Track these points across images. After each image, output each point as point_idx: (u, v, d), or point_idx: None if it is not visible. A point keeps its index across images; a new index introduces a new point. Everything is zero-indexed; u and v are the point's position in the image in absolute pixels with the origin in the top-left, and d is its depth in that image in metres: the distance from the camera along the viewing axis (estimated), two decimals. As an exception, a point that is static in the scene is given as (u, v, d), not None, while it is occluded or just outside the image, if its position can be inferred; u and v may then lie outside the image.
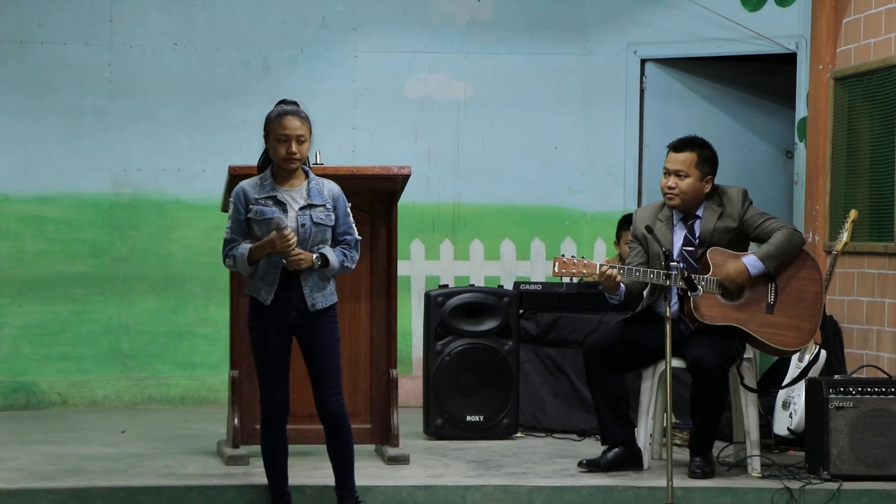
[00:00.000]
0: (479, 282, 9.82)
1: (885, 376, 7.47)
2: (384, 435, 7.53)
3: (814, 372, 7.70)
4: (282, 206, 6.32)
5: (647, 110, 9.96)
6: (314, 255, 6.30)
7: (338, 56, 9.97)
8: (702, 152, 7.28)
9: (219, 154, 9.62)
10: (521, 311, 8.62)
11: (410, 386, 9.52)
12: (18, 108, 9.70)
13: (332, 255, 6.33)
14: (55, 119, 9.74)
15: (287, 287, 6.32)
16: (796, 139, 9.38)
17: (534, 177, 10.07)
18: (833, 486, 6.92)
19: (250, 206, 6.34)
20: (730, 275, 7.08)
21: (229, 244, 6.40)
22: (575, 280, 7.03)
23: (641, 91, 9.96)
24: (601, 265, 7.00)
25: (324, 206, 6.36)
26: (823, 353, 7.79)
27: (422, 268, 10.02)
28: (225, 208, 7.59)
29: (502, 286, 9.15)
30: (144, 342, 9.82)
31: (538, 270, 9.98)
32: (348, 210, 6.44)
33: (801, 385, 7.58)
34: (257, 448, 7.39)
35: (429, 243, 10.04)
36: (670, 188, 7.22)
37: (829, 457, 7.06)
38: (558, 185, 10.08)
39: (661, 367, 7.17)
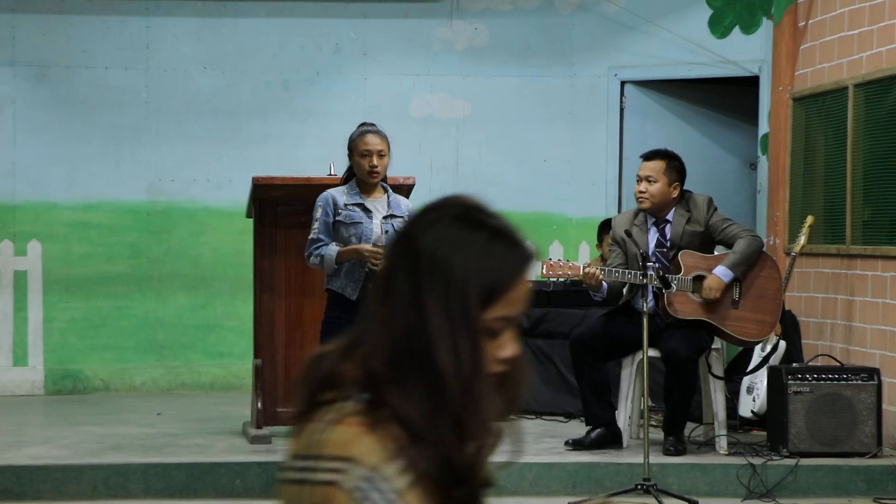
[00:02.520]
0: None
1: (838, 364, 7.49)
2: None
3: (774, 360, 7.73)
4: (368, 213, 6.36)
5: (626, 127, 9.97)
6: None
7: (350, 78, 9.98)
8: (670, 161, 7.31)
9: (244, 166, 9.63)
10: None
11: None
12: (66, 126, 9.72)
13: None
14: (98, 136, 9.75)
15: (367, 286, 6.34)
16: (759, 153, 9.39)
17: (525, 186, 10.08)
18: (791, 462, 6.94)
19: (339, 211, 6.34)
20: (711, 288, 7.11)
21: (315, 243, 6.33)
22: (561, 280, 7.04)
23: (621, 110, 9.96)
24: (584, 266, 7.03)
25: (403, 217, 6.40)
26: (783, 343, 7.81)
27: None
28: (250, 214, 7.62)
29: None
30: (178, 334, 9.82)
31: (529, 270, 9.99)
32: None
33: (764, 372, 7.60)
34: (279, 428, 7.42)
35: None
36: (641, 192, 7.26)
37: (788, 436, 7.07)
38: (547, 193, 10.09)
39: (638, 356, 7.20)
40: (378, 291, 1.98)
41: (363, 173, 6.35)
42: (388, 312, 1.95)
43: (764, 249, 7.44)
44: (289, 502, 1.94)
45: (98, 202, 9.74)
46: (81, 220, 9.72)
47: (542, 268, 6.95)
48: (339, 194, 6.39)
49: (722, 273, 7.13)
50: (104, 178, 9.73)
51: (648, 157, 7.34)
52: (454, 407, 1.89)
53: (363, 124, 6.55)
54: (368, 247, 6.25)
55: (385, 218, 6.38)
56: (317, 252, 6.32)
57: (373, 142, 6.36)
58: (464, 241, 1.93)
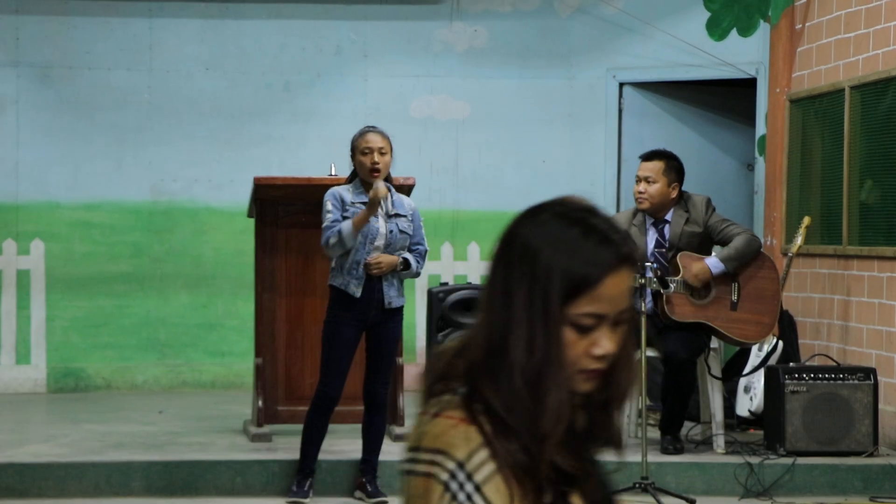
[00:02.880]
0: (475, 280, 9.82)
1: (835, 364, 7.48)
2: (392, 416, 7.53)
3: (771, 360, 7.71)
4: None
5: (624, 128, 9.96)
6: (400, 260, 6.34)
7: (350, 80, 9.97)
8: (669, 162, 7.29)
9: (245, 166, 9.62)
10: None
11: (415, 372, 9.52)
12: (69, 127, 9.71)
13: (413, 260, 6.37)
14: (101, 136, 9.75)
15: (370, 284, 6.32)
16: (756, 154, 9.38)
17: (524, 186, 10.07)
18: (788, 460, 6.93)
19: (346, 208, 6.34)
20: (694, 274, 7.09)
21: (329, 228, 6.29)
22: None
23: (619, 111, 9.96)
24: None
25: (406, 216, 6.40)
26: (781, 343, 7.80)
27: (425, 267, 10.00)
28: (251, 214, 7.61)
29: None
30: (179, 333, 9.81)
31: (528, 270, 9.97)
32: (422, 224, 6.48)
33: (761, 371, 7.59)
34: (279, 427, 7.41)
35: (431, 245, 9.98)
36: (640, 192, 7.24)
37: (785, 435, 7.07)
38: (546, 194, 9.80)
39: (636, 356, 7.17)
40: (484, 284, 2.01)
41: (365, 171, 6.34)
42: (487, 305, 1.98)
43: (763, 250, 7.42)
44: (402, 492, 1.99)
45: (100, 202, 9.73)
46: (84, 220, 9.71)
47: None
48: (345, 192, 6.39)
49: (712, 263, 7.11)
50: (107, 177, 9.72)
51: (647, 157, 7.32)
52: (524, 397, 1.91)
53: (366, 126, 6.56)
54: (381, 188, 6.23)
55: (390, 217, 6.37)
56: (333, 231, 6.26)
57: (373, 140, 6.36)
58: (556, 234, 1.95)
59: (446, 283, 8.73)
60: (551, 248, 1.94)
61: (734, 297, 7.17)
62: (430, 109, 10.05)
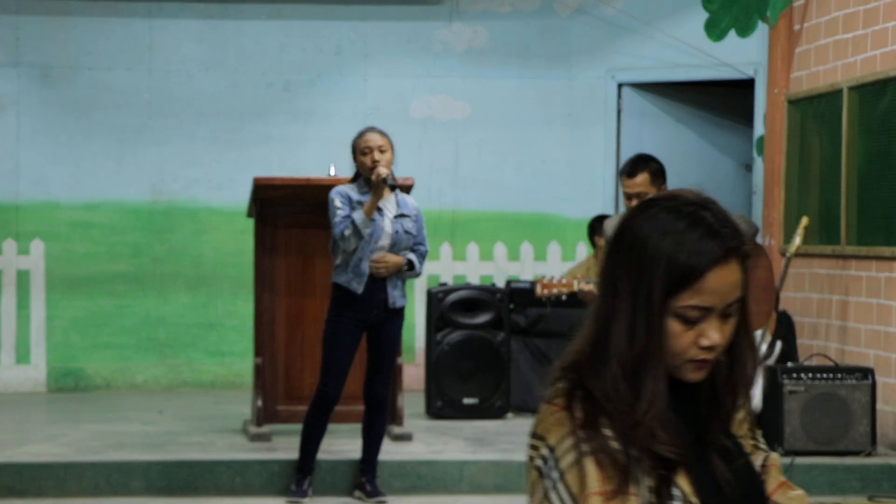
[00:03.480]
0: (474, 280, 9.83)
1: (833, 364, 7.48)
2: (391, 415, 7.53)
3: (770, 360, 7.71)
4: (379, 211, 6.36)
5: (623, 128, 9.96)
6: (405, 260, 6.35)
7: (351, 80, 9.97)
8: (651, 169, 7.24)
9: (245, 167, 9.62)
10: (511, 306, 8.63)
11: (413, 372, 9.54)
12: (69, 126, 9.71)
13: (416, 261, 6.39)
14: (101, 136, 9.75)
15: (373, 283, 6.33)
16: (754, 154, 9.38)
17: (523, 187, 10.07)
18: (787, 460, 6.93)
19: (353, 205, 6.34)
20: None
21: (342, 221, 6.28)
22: (555, 297, 7.01)
23: (618, 111, 9.96)
24: (577, 283, 6.99)
25: (410, 217, 6.41)
26: (779, 343, 7.81)
27: (424, 267, 9.99)
28: (251, 214, 7.61)
29: (495, 284, 9.16)
30: (179, 333, 9.81)
31: (527, 270, 9.99)
32: (424, 225, 6.50)
33: (759, 371, 7.60)
34: (279, 426, 7.41)
35: (431, 245, 10.01)
36: None
37: (784, 434, 7.07)
38: (545, 194, 10.08)
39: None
40: (599, 274, 2.05)
41: (366, 170, 6.34)
42: (598, 297, 2.02)
43: (757, 240, 7.40)
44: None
45: (100, 202, 9.73)
46: (84, 220, 9.71)
47: (537, 287, 6.94)
48: (351, 191, 6.39)
49: None
50: (107, 178, 9.72)
51: (630, 173, 7.22)
52: (623, 384, 1.94)
53: (364, 127, 6.57)
54: (382, 170, 6.24)
55: (395, 217, 6.38)
56: (346, 223, 6.26)
57: (372, 139, 6.37)
58: (663, 227, 1.97)
59: (445, 284, 8.73)
60: (657, 240, 1.96)
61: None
62: (430, 109, 10.05)
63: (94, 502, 6.58)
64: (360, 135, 6.43)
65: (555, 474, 1.93)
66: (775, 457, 2.12)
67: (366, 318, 6.32)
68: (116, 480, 6.67)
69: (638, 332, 1.95)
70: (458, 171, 10.07)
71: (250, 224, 7.74)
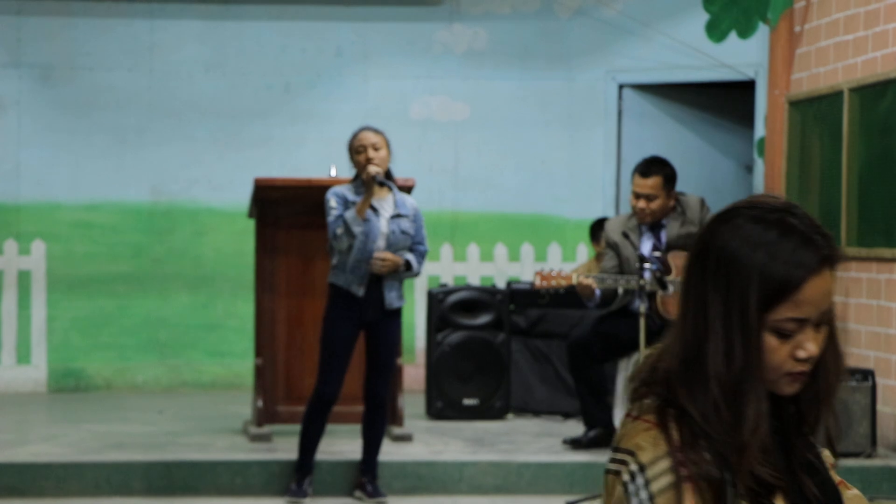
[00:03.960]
0: (474, 281, 9.82)
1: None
2: (391, 416, 7.53)
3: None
4: (375, 211, 6.35)
5: (623, 130, 9.96)
6: (403, 260, 6.34)
7: (351, 81, 9.97)
8: (665, 174, 7.25)
9: (245, 167, 9.63)
10: (511, 307, 8.62)
11: (414, 373, 9.54)
12: (69, 127, 9.71)
13: (414, 261, 6.38)
14: (102, 136, 9.75)
15: (371, 284, 6.33)
16: (755, 156, 9.38)
17: (523, 188, 10.07)
18: (786, 462, 6.93)
19: (349, 205, 6.34)
20: None
21: (336, 219, 6.29)
22: (554, 290, 7.02)
23: (619, 113, 9.96)
24: (577, 277, 7.00)
25: (408, 217, 6.40)
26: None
27: (424, 268, 10.00)
28: (251, 215, 7.61)
29: (495, 285, 9.16)
30: (179, 333, 9.81)
31: (527, 271, 9.99)
32: (423, 224, 6.48)
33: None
34: (279, 427, 7.41)
35: (431, 246, 10.03)
36: (642, 209, 7.19)
37: (783, 436, 7.06)
38: (545, 195, 10.08)
39: (634, 357, 7.18)
40: (681, 291, 1.98)
41: (361, 169, 6.34)
42: (684, 310, 1.94)
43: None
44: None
45: (101, 202, 9.73)
46: (85, 220, 9.71)
47: (535, 279, 6.95)
48: (348, 191, 6.39)
49: None
50: (107, 178, 9.72)
51: (645, 173, 7.23)
52: (722, 406, 1.87)
53: (360, 126, 6.57)
54: (373, 168, 6.24)
55: (392, 217, 6.37)
56: (338, 222, 6.26)
57: (366, 137, 6.38)
58: (753, 238, 1.89)
59: (445, 285, 8.73)
60: (748, 253, 1.88)
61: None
62: (430, 111, 10.05)
63: (94, 502, 6.58)
64: (355, 134, 6.43)
65: (644, 494, 1.86)
66: (828, 455, 2.07)
67: (362, 318, 6.32)
68: (117, 480, 6.67)
69: (735, 352, 1.87)
70: (458, 172, 10.07)
71: (251, 225, 7.74)
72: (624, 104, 9.96)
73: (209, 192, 9.83)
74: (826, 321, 1.92)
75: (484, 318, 8.39)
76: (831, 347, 1.94)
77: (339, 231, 6.26)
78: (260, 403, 7.41)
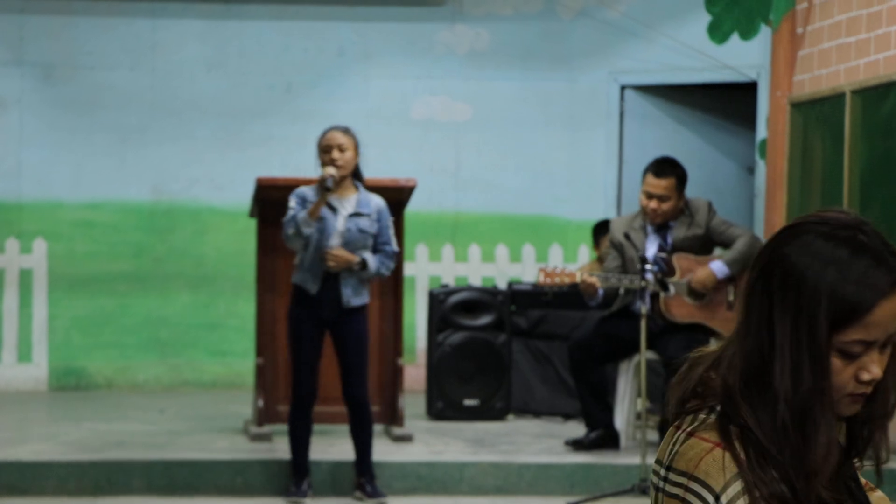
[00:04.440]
0: (476, 282, 9.82)
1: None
2: (391, 416, 7.53)
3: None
4: (334, 210, 6.35)
5: (625, 131, 9.96)
6: (357, 259, 6.32)
7: (352, 81, 9.97)
8: (678, 175, 7.25)
9: (247, 167, 9.62)
10: (513, 308, 8.62)
11: (415, 373, 9.53)
12: (71, 126, 9.71)
13: (372, 261, 6.35)
14: (103, 135, 9.75)
15: (327, 282, 6.33)
16: (757, 158, 9.38)
17: (525, 189, 10.07)
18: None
19: (307, 205, 6.34)
20: (700, 280, 7.08)
21: (289, 220, 6.31)
22: (557, 288, 7.03)
23: (621, 114, 9.95)
24: (581, 274, 7.00)
25: (369, 216, 6.39)
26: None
27: (425, 269, 10.02)
28: (252, 214, 7.61)
29: (496, 286, 9.15)
30: (180, 332, 9.81)
31: (529, 272, 9.98)
32: (390, 223, 6.46)
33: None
34: (280, 427, 7.41)
35: (432, 247, 10.04)
36: (653, 210, 7.17)
37: (784, 438, 7.05)
38: (547, 196, 10.08)
39: (635, 358, 7.18)
40: (741, 303, 1.92)
41: (325, 167, 6.35)
42: (745, 326, 1.89)
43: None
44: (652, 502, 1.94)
45: (103, 201, 9.73)
46: (86, 219, 9.71)
47: (539, 275, 6.95)
48: (310, 191, 6.40)
49: (717, 268, 7.12)
50: (109, 177, 9.72)
51: (659, 173, 7.21)
52: (790, 429, 1.83)
53: (330, 126, 6.56)
54: (328, 169, 6.25)
55: (350, 216, 6.36)
56: (290, 225, 6.29)
57: (334, 137, 6.38)
58: (823, 257, 1.83)
59: (447, 285, 8.72)
60: (818, 272, 1.82)
61: (731, 297, 7.17)
62: (431, 111, 10.05)
63: (94, 501, 6.58)
64: (324, 133, 6.44)
65: None
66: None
67: (321, 316, 6.32)
68: (117, 479, 6.67)
69: (804, 373, 1.82)
70: (459, 172, 10.07)
71: (252, 224, 7.74)
72: (626, 105, 9.95)
73: (210, 192, 9.83)
74: (890, 342, 1.87)
75: (485, 319, 8.38)
76: (892, 369, 1.90)
77: (291, 232, 6.31)
78: (261, 403, 7.41)
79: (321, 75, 9.94)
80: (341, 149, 6.34)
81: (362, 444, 6.49)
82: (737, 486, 1.82)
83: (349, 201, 6.38)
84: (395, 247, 6.46)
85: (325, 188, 6.28)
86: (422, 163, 9.87)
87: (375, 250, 6.40)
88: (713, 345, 7.24)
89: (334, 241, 6.30)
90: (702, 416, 1.89)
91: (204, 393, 9.65)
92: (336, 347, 6.41)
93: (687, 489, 1.84)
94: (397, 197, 7.44)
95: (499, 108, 10.06)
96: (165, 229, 9.80)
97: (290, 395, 6.53)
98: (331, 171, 6.26)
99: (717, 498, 1.82)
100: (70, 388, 9.65)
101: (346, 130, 6.41)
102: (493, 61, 10.05)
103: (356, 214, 6.36)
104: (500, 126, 10.06)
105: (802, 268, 1.84)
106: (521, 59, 10.06)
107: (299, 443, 6.48)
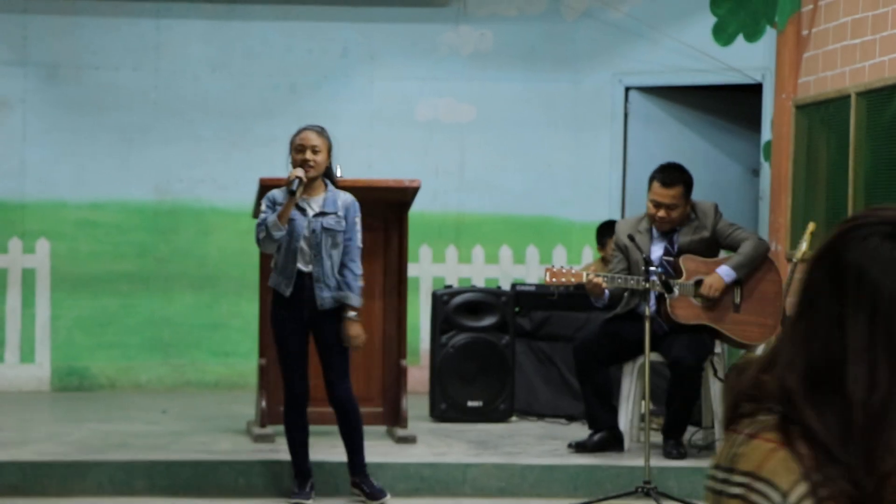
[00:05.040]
0: (479, 283, 9.81)
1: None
2: (394, 417, 7.52)
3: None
4: (301, 210, 6.35)
5: (629, 132, 9.94)
6: (354, 314, 6.33)
7: (357, 82, 9.97)
8: (685, 182, 7.24)
9: (250, 167, 9.61)
10: (516, 309, 8.61)
11: (418, 374, 9.52)
12: (75, 126, 9.70)
13: (355, 297, 6.34)
14: (107, 135, 9.74)
15: (301, 285, 6.32)
16: (762, 160, 9.36)
17: (529, 190, 10.06)
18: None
19: (277, 207, 6.35)
20: (710, 285, 7.07)
21: (259, 224, 6.36)
22: (563, 287, 7.02)
23: (625, 115, 9.94)
24: (587, 274, 6.99)
25: (335, 213, 6.37)
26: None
27: (429, 270, 10.01)
28: (255, 215, 7.59)
29: (500, 287, 9.14)
30: (183, 333, 9.81)
31: (532, 273, 9.97)
32: (357, 220, 6.43)
33: None
34: (282, 427, 7.41)
35: (435, 248, 10.03)
36: (662, 218, 7.16)
37: (788, 441, 7.04)
38: (551, 197, 10.07)
39: (640, 360, 7.17)
40: (800, 305, 1.91)
41: (296, 167, 6.34)
42: (808, 328, 1.87)
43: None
44: None
45: (106, 201, 9.73)
46: (89, 219, 9.71)
47: (545, 275, 6.94)
48: (280, 193, 6.40)
49: (724, 272, 7.11)
50: (112, 177, 9.72)
51: (667, 182, 7.19)
52: (863, 433, 1.82)
53: (305, 125, 6.57)
54: (294, 171, 6.24)
55: (316, 216, 6.36)
56: (260, 229, 6.31)
57: (307, 137, 6.38)
58: (893, 260, 1.84)
59: (450, 286, 8.71)
60: (892, 277, 1.82)
61: (737, 300, 7.16)
62: (436, 112, 10.04)
63: (97, 501, 6.57)
64: (298, 132, 6.45)
65: None
66: None
67: (300, 317, 6.32)
68: (119, 480, 6.66)
69: (880, 378, 1.82)
70: (463, 173, 10.06)
71: (255, 225, 7.72)
72: (630, 107, 9.94)
73: (214, 192, 9.82)
74: None
75: (488, 320, 8.38)
76: None
77: (262, 235, 6.34)
78: (263, 404, 7.40)
79: (325, 76, 9.94)
80: (314, 150, 6.34)
81: (352, 442, 6.48)
82: (804, 486, 1.81)
83: (317, 200, 6.39)
84: (358, 243, 6.42)
85: (290, 192, 6.27)
86: (425, 164, 9.86)
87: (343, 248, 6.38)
88: (718, 347, 7.23)
89: (302, 244, 6.30)
90: (761, 417, 1.88)
91: (207, 393, 9.65)
92: (317, 347, 6.41)
93: (751, 489, 1.83)
94: (401, 198, 7.44)
95: (503, 109, 10.05)
96: (169, 229, 9.80)
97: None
98: (298, 172, 6.26)
99: (784, 496, 1.81)
100: (73, 388, 9.64)
101: (321, 131, 6.41)
102: (496, 62, 10.04)
103: (321, 213, 6.35)
104: (504, 127, 10.05)
105: (877, 272, 1.84)
106: (525, 61, 10.06)
107: (297, 445, 6.47)
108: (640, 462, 6.64)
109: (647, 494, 6.42)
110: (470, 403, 8.32)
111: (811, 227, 8.03)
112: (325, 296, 6.31)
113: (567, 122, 10.06)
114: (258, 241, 6.39)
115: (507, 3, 10.04)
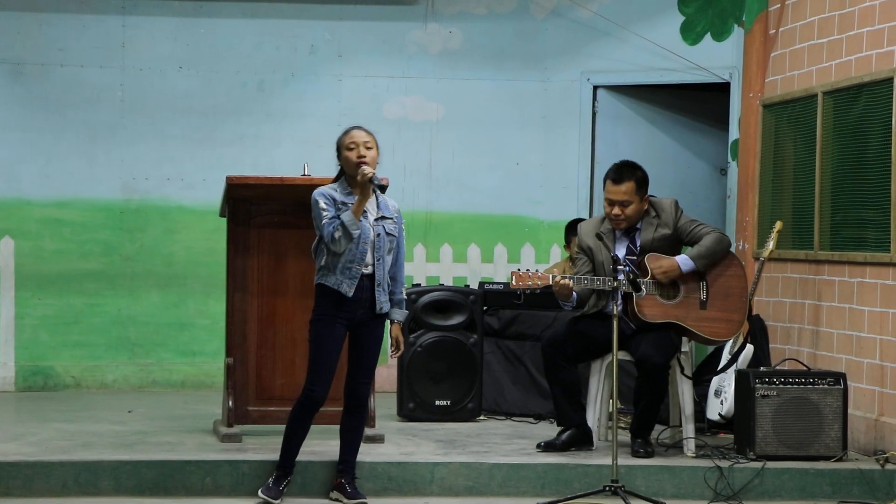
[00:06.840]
0: (448, 282, 9.82)
1: (805, 368, 7.50)
2: (362, 416, 7.51)
3: (742, 364, 7.74)
4: (364, 213, 6.30)
5: (598, 131, 9.97)
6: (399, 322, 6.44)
7: (325, 80, 9.95)
8: (637, 178, 7.25)
9: (217, 165, 9.60)
10: (485, 308, 8.62)
11: (386, 373, 9.52)
12: (40, 123, 9.66)
13: (400, 312, 6.46)
14: (73, 133, 9.70)
15: (361, 286, 6.30)
16: (729, 158, 9.41)
17: (497, 189, 10.07)
18: (758, 464, 6.95)
19: (338, 206, 6.29)
20: (663, 270, 7.10)
21: (331, 221, 6.23)
22: (530, 291, 7.02)
23: (593, 114, 9.97)
24: (553, 277, 7.00)
25: (392, 219, 6.38)
26: (750, 346, 7.82)
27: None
28: (223, 214, 7.57)
29: (468, 286, 9.15)
30: (150, 332, 9.78)
31: (501, 272, 9.99)
32: (404, 227, 6.49)
33: (731, 375, 7.61)
34: (250, 427, 7.39)
35: (405, 246, 10.01)
36: (617, 216, 7.20)
37: (755, 439, 7.08)
38: (519, 196, 10.08)
39: (608, 359, 7.19)
40: None
41: (351, 166, 6.29)
42: None
43: (732, 249, 7.43)
44: None
45: (72, 199, 9.69)
46: (55, 217, 9.66)
47: (511, 279, 6.95)
48: (334, 191, 6.34)
49: (681, 260, 7.14)
50: (78, 175, 9.68)
51: (617, 179, 7.24)
52: None
53: (350, 126, 6.51)
54: (367, 169, 6.22)
55: (377, 220, 6.35)
56: (335, 224, 6.22)
57: (358, 135, 6.35)
58: None
59: (419, 285, 8.71)
60: None
61: (703, 296, 7.19)
62: (404, 110, 10.04)
63: (62, 502, 6.54)
64: (346, 132, 6.39)
65: None
66: None
67: (352, 317, 6.29)
68: (85, 480, 6.63)
69: None
70: (431, 172, 10.06)
71: (222, 223, 7.71)
72: (598, 105, 9.96)
73: (181, 191, 9.80)
74: None
75: (457, 319, 8.39)
76: None
77: (338, 234, 6.20)
78: (230, 403, 7.38)
79: (293, 74, 9.92)
80: (367, 146, 6.32)
81: (354, 443, 6.47)
82: None
83: (371, 204, 6.37)
84: (404, 248, 6.53)
85: (378, 186, 6.22)
86: (394, 162, 9.86)
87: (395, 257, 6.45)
88: (685, 345, 7.25)
89: (366, 247, 6.29)
90: None
91: (173, 393, 9.62)
92: (353, 346, 6.37)
93: None
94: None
95: (471, 107, 10.06)
96: (135, 228, 9.76)
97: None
98: (368, 170, 6.22)
99: None
100: (38, 387, 9.59)
101: (369, 130, 6.40)
102: (465, 61, 10.05)
103: (381, 218, 6.36)
104: (473, 126, 10.06)
105: None
106: (494, 59, 10.07)
107: (295, 443, 6.43)
108: (607, 461, 6.66)
109: (614, 493, 6.44)
110: (438, 402, 8.33)
111: (778, 225, 8.07)
112: (383, 299, 6.33)
113: (536, 120, 10.08)
114: (332, 239, 6.21)
115: (476, 1, 10.05)
